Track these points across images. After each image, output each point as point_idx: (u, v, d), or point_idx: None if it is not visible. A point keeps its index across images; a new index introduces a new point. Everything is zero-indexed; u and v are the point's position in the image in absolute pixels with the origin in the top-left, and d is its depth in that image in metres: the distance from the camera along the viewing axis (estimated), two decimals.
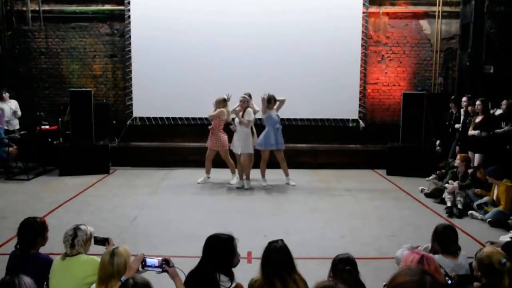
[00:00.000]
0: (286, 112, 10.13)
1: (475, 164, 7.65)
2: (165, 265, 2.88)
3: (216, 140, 8.26)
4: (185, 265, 3.12)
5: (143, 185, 8.51)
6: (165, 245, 5.47)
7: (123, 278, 2.73)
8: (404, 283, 1.70)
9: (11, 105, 9.50)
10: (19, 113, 9.63)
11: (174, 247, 5.34)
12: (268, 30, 10.08)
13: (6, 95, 9.45)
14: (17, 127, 9.62)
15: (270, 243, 3.06)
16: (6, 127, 9.30)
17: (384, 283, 1.85)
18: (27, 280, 2.04)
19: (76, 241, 3.36)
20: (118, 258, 2.92)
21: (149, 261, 2.87)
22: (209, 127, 8.36)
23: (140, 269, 2.85)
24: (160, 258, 2.90)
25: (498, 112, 8.24)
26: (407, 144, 9.44)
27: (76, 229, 3.41)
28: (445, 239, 3.60)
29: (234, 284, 2.99)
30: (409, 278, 1.70)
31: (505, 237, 5.51)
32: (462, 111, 8.67)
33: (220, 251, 3.04)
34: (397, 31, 10.58)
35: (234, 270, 3.09)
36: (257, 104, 8.36)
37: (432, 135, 9.55)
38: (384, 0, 10.45)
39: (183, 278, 2.96)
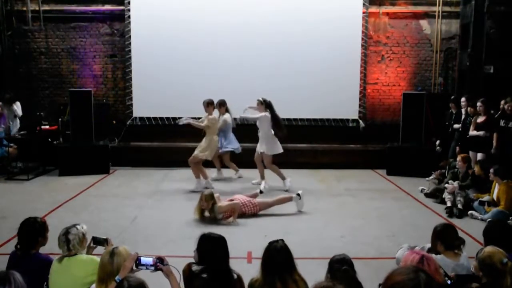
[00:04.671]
0: (286, 112, 10.16)
1: None
2: (159, 263, 2.88)
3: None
4: (186, 264, 3.12)
5: (143, 185, 8.50)
6: (165, 245, 5.46)
7: (117, 278, 2.74)
8: (399, 282, 1.70)
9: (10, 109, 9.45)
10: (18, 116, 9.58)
11: (174, 247, 5.34)
12: (268, 30, 10.08)
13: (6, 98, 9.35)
14: (18, 127, 9.61)
15: (270, 243, 3.07)
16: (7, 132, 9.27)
17: (379, 283, 1.85)
18: (18, 276, 2.09)
19: (71, 245, 3.37)
20: (118, 257, 2.92)
21: (144, 260, 2.87)
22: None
23: (134, 268, 2.86)
24: (155, 257, 2.90)
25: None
26: (407, 144, 9.44)
27: (66, 234, 3.40)
28: (447, 237, 3.62)
29: (236, 276, 3.05)
30: (404, 277, 1.71)
31: None
32: (463, 110, 8.67)
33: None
34: (397, 31, 10.59)
35: (235, 269, 3.12)
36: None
37: (432, 135, 9.55)
38: (384, 0, 10.46)
39: (177, 277, 2.97)
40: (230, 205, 6.43)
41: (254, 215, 6.58)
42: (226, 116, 8.60)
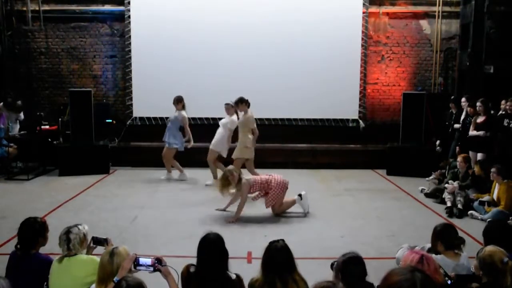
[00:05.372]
0: (286, 112, 10.19)
1: None
2: (158, 264, 2.88)
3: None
4: (185, 265, 3.12)
5: (143, 185, 8.51)
6: (165, 245, 5.46)
7: (115, 279, 2.73)
8: (395, 282, 1.71)
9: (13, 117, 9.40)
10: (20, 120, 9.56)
11: (174, 247, 5.33)
12: (268, 30, 10.08)
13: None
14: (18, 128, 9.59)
15: (271, 243, 3.07)
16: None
17: (377, 285, 1.86)
18: (5, 284, 2.06)
19: (71, 245, 3.37)
20: (118, 258, 2.92)
21: (142, 260, 2.87)
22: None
23: (133, 268, 2.86)
24: (153, 257, 2.90)
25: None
26: (407, 144, 9.44)
27: (67, 233, 3.40)
28: (447, 237, 3.63)
29: (234, 276, 3.05)
30: (400, 277, 1.71)
31: None
32: (463, 111, 8.66)
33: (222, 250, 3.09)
34: (397, 31, 10.59)
35: (235, 269, 3.11)
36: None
37: (432, 135, 9.55)
38: (384, 0, 10.46)
39: (176, 277, 2.97)
40: (244, 195, 6.43)
41: (270, 202, 6.55)
42: (183, 112, 8.65)
